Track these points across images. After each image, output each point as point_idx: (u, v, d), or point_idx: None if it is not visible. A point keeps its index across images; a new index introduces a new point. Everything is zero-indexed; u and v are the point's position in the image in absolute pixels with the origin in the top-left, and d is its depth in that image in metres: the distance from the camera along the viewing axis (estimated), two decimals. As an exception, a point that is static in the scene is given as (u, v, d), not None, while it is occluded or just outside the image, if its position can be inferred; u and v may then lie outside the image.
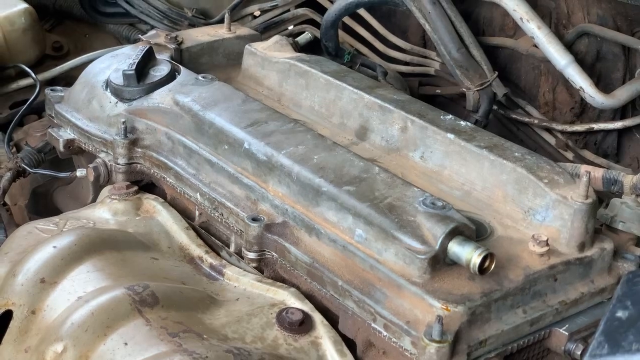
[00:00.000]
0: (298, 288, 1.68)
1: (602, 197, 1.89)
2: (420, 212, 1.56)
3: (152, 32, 2.36)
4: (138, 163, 2.00)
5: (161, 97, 2.02)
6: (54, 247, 1.71)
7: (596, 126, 2.45)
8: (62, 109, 2.14)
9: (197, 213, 1.92)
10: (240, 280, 1.73)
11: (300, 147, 1.78)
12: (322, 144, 1.79)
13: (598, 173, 1.87)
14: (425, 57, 2.80)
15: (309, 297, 1.65)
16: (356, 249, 1.58)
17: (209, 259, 1.80)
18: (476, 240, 1.53)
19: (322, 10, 2.85)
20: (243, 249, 1.75)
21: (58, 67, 2.68)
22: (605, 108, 2.38)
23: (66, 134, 2.11)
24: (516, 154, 1.74)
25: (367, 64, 2.68)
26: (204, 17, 2.88)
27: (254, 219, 1.72)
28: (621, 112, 2.46)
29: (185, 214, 1.92)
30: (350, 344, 1.58)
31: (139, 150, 1.99)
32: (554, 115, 2.58)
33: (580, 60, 2.37)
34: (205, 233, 1.89)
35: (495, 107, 2.51)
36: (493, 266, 1.49)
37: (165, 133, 1.96)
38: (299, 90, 2.10)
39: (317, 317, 1.60)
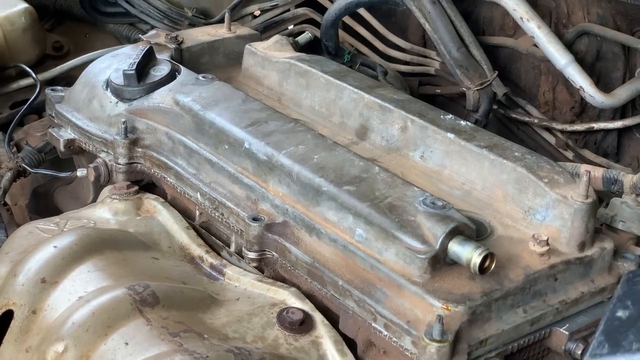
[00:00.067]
0: (298, 288, 1.68)
1: (602, 196, 1.89)
2: (421, 211, 1.56)
3: (153, 31, 2.36)
4: (138, 163, 2.00)
5: (161, 96, 2.02)
6: (55, 247, 1.72)
7: (596, 125, 2.45)
8: (63, 108, 2.14)
9: (197, 213, 1.92)
10: (240, 280, 1.73)
11: (301, 146, 1.78)
12: (322, 143, 1.79)
13: (598, 172, 1.87)
14: (425, 56, 2.80)
15: (310, 296, 1.65)
16: (356, 249, 1.58)
17: (210, 258, 1.80)
18: (476, 240, 1.53)
19: (322, 9, 2.85)
20: (243, 248, 1.75)
21: (58, 67, 2.68)
22: (605, 107, 2.39)
23: (67, 133, 2.11)
24: (516, 154, 1.74)
25: (367, 63, 2.68)
26: (204, 17, 2.88)
27: (255, 219, 1.72)
28: (621, 111, 2.46)
29: (186, 214, 1.93)
30: (351, 344, 1.58)
31: (140, 150, 1.99)
32: (554, 115, 2.58)
33: (580, 60, 2.38)
34: (206, 233, 1.89)
35: (495, 106, 2.51)
36: (493, 266, 1.49)
37: (165, 133, 1.96)
38: (299, 90, 2.10)
39: (318, 317, 1.60)
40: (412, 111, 1.89)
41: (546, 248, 1.58)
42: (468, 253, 1.48)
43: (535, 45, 2.43)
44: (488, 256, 1.48)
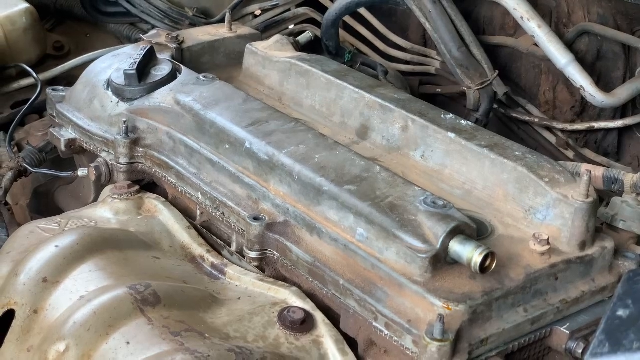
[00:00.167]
0: (299, 287, 1.68)
1: (603, 196, 1.89)
2: (422, 211, 1.56)
3: (153, 31, 2.36)
4: (139, 162, 2.00)
5: (162, 96, 2.02)
6: (56, 246, 1.72)
7: (597, 125, 2.45)
8: (64, 108, 2.14)
9: (198, 212, 1.92)
10: (241, 280, 1.73)
11: (302, 146, 1.78)
12: (323, 143, 1.79)
13: (599, 172, 1.87)
14: (426, 56, 2.80)
15: (311, 296, 1.65)
16: (357, 248, 1.59)
17: (211, 258, 1.80)
18: (477, 239, 1.53)
19: (322, 9, 2.85)
20: (244, 248, 1.75)
21: (59, 67, 2.68)
22: (606, 107, 2.39)
23: (67, 133, 2.11)
24: (517, 153, 1.74)
25: (368, 63, 2.68)
26: (205, 17, 2.88)
27: (256, 218, 1.73)
28: (621, 110, 2.46)
29: (187, 214, 1.93)
30: (352, 343, 1.58)
31: (141, 149, 1.99)
32: (555, 114, 2.58)
33: (581, 59, 2.38)
34: (207, 232, 1.89)
35: (495, 106, 2.51)
36: (494, 265, 1.49)
37: (166, 132, 1.96)
38: (300, 90, 2.10)
39: (319, 316, 1.61)
40: (413, 111, 1.90)
41: (547, 247, 1.58)
42: (469, 252, 1.48)
43: (536, 45, 2.43)
44: (489, 255, 1.48)
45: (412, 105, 1.93)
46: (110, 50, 2.39)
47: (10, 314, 1.66)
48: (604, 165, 2.30)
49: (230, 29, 2.38)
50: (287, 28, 2.94)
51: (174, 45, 2.25)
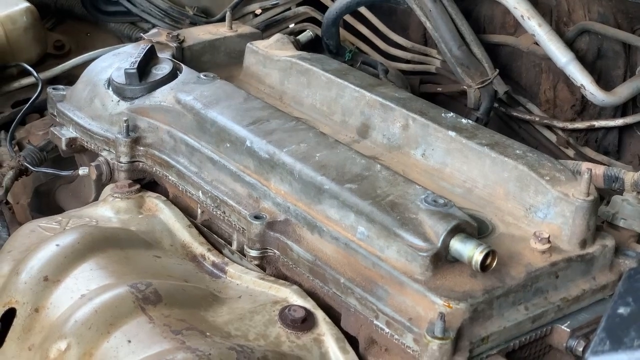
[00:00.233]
0: (300, 286, 1.68)
1: (603, 194, 1.89)
2: (422, 209, 1.56)
3: (154, 30, 2.37)
4: (140, 161, 2.00)
5: (163, 95, 2.02)
6: (57, 245, 1.72)
7: (597, 123, 2.45)
8: (64, 107, 2.15)
9: (199, 211, 1.92)
10: (242, 278, 1.73)
11: (302, 145, 1.78)
12: (323, 142, 1.80)
13: (599, 170, 1.87)
14: (426, 55, 2.80)
15: (312, 294, 1.66)
16: (358, 247, 1.59)
17: (212, 256, 1.80)
18: (478, 238, 1.53)
19: (323, 8, 2.85)
20: (245, 246, 1.75)
21: (60, 66, 2.68)
22: (606, 105, 2.39)
23: (68, 132, 2.12)
24: (517, 152, 1.74)
25: (368, 62, 2.68)
26: (205, 16, 2.88)
27: (256, 217, 1.73)
28: (622, 109, 2.46)
29: (188, 212, 1.93)
30: (353, 341, 1.59)
31: (141, 148, 1.99)
32: (555, 113, 2.58)
33: (581, 58, 2.38)
34: (208, 231, 1.89)
35: (496, 104, 2.51)
36: (495, 263, 1.49)
37: (167, 131, 1.96)
38: (300, 89, 2.10)
39: (320, 315, 1.61)
40: (414, 109, 1.90)
41: (547, 245, 1.58)
42: (469, 251, 1.48)
43: (536, 44, 2.43)
44: (489, 254, 1.48)
45: (412, 104, 1.93)
46: (110, 49, 2.40)
47: (11, 313, 1.66)
48: (604, 164, 2.30)
49: (231, 28, 2.38)
50: (288, 27, 2.94)
51: (175, 44, 2.26)
